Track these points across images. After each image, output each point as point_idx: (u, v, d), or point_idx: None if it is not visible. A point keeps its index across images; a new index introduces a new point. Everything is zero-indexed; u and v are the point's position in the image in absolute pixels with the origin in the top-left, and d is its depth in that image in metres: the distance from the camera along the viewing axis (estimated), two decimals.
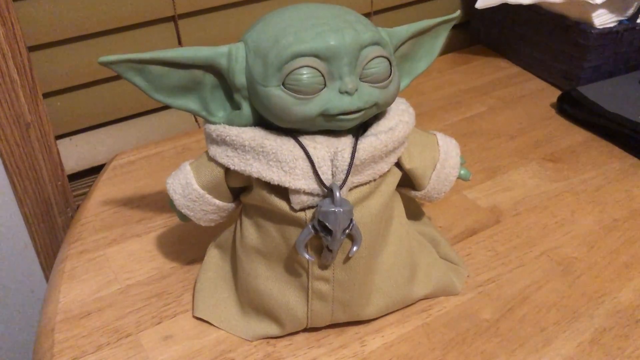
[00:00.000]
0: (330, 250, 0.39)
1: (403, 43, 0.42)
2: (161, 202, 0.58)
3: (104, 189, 0.60)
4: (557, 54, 0.75)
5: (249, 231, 0.42)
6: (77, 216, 0.57)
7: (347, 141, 0.38)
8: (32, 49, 0.58)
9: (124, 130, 0.69)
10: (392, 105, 0.41)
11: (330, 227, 0.38)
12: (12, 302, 0.67)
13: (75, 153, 0.66)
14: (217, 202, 0.42)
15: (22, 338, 0.69)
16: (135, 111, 0.68)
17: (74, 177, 0.68)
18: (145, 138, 0.70)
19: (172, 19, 0.65)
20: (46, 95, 0.61)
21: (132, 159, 0.64)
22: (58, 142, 0.64)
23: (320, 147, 0.38)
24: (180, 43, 0.67)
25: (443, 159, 0.44)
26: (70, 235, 0.55)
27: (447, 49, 0.90)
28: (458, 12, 0.44)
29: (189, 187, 0.42)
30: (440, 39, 0.44)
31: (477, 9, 0.78)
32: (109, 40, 0.62)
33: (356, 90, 0.36)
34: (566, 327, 0.45)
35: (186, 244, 0.53)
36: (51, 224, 0.65)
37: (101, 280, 0.50)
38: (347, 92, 0.36)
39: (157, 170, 0.62)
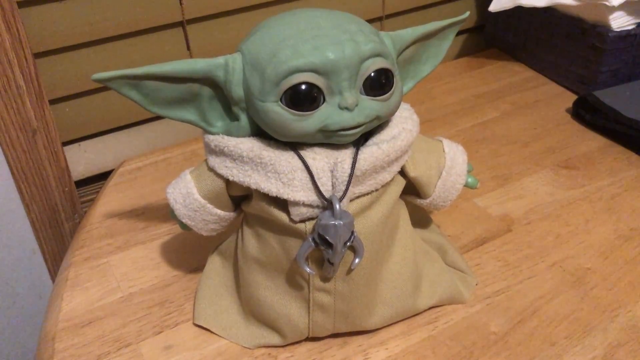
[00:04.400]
0: (332, 264, 0.38)
1: (408, 46, 0.41)
2: (166, 210, 0.57)
3: (110, 195, 0.60)
4: (573, 57, 0.74)
5: (250, 241, 0.42)
6: (82, 223, 0.57)
7: (347, 151, 0.37)
8: (39, 55, 0.58)
9: (133, 136, 0.68)
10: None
11: (330, 240, 0.37)
12: (20, 309, 0.67)
13: (84, 159, 0.66)
14: (219, 211, 0.42)
15: (30, 345, 0.69)
16: (144, 117, 0.68)
17: (84, 182, 0.68)
18: (154, 144, 0.70)
19: (181, 24, 0.65)
20: (55, 101, 0.61)
21: (139, 165, 0.64)
22: (67, 148, 0.64)
23: (320, 157, 0.37)
24: (188, 48, 0.66)
25: (449, 166, 0.43)
26: (75, 242, 0.55)
27: (461, 53, 0.89)
28: (467, 13, 0.42)
29: (190, 196, 0.41)
30: (447, 42, 0.43)
31: (491, 12, 0.77)
32: (116, 46, 0.62)
33: (356, 105, 0.35)
34: (578, 341, 0.44)
35: (190, 252, 0.52)
36: (59, 230, 0.65)
37: (104, 287, 0.49)
38: (346, 108, 0.35)
39: (164, 177, 0.62)
